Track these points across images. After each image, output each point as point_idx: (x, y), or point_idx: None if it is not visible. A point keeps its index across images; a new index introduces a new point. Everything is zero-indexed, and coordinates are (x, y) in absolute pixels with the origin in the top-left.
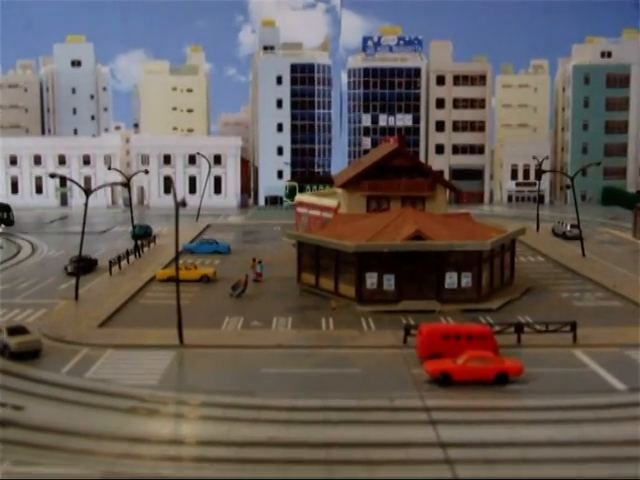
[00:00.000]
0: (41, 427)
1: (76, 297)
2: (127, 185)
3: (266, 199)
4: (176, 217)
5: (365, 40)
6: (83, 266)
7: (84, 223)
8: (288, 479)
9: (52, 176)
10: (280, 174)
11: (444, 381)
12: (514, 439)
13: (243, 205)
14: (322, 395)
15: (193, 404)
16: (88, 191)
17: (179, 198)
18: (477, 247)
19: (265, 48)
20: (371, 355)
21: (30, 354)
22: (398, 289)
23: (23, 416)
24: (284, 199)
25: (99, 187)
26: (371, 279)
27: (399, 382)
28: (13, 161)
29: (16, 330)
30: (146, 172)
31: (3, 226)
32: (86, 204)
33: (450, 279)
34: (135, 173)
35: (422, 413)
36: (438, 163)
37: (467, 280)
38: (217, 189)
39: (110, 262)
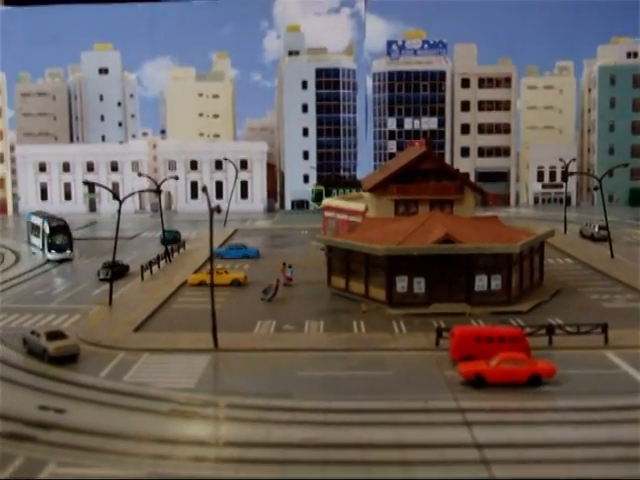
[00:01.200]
0: (83, 429)
1: (110, 302)
2: (159, 191)
3: (292, 203)
4: (210, 223)
5: (390, 44)
6: (115, 272)
7: (117, 229)
8: (328, 479)
9: (86, 183)
10: (306, 178)
11: (477, 383)
12: (548, 440)
13: (269, 209)
14: (356, 397)
15: (231, 407)
16: (117, 196)
17: (213, 204)
18: (507, 250)
19: (290, 53)
20: (403, 357)
21: (68, 358)
22: (428, 292)
23: (65, 419)
24: (311, 203)
25: (132, 193)
26: (401, 282)
27: (432, 384)
28: (42, 168)
29: (54, 335)
30: (176, 178)
31: (69, 252)
32: (119, 211)
33: (480, 282)
34: (165, 179)
35: (457, 414)
36: (464, 166)
37: (497, 283)
38: (244, 194)
39: (142, 267)
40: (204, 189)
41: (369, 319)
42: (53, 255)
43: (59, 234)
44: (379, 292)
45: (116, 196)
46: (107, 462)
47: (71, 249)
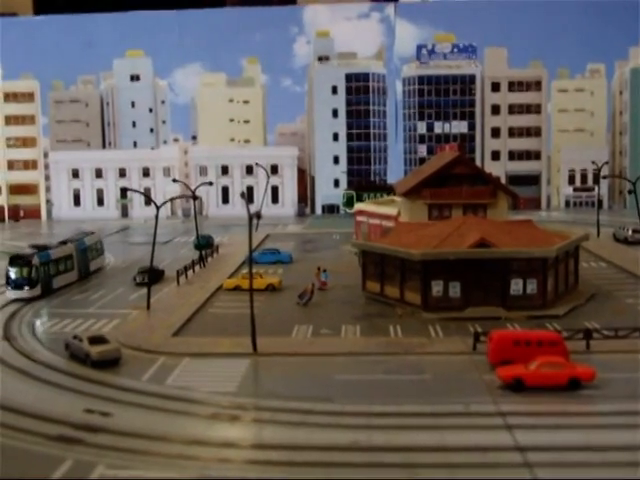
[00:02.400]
0: (129, 432)
1: (148, 307)
2: (195, 197)
3: (323, 208)
4: (249, 229)
5: (419, 48)
6: (151, 277)
7: (155, 234)
8: None
9: (123, 189)
10: (336, 183)
11: (517, 387)
12: (590, 443)
13: (300, 214)
14: (397, 401)
15: (273, 410)
16: (154, 202)
17: (253, 210)
18: (542, 254)
19: (320, 58)
20: (441, 361)
21: (110, 362)
22: (464, 296)
23: (111, 422)
24: (341, 208)
25: (171, 199)
26: (437, 287)
27: (472, 388)
28: (75, 174)
29: (96, 339)
30: (210, 184)
31: (27, 289)
32: (156, 216)
33: (516, 286)
34: (200, 184)
35: (497, 418)
36: (494, 169)
37: (532, 287)
38: (274, 199)
39: (177, 272)
40: (243, 195)
41: (405, 323)
42: (9, 293)
43: (16, 266)
44: (414, 296)
45: (153, 202)
46: (155, 465)
47: (32, 285)
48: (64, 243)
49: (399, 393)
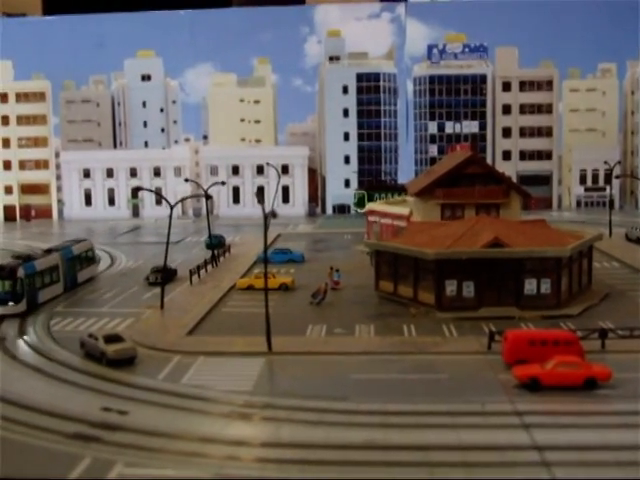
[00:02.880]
0: (147, 431)
1: (161, 306)
2: (209, 196)
3: (333, 208)
4: (265, 228)
5: (430, 48)
6: (163, 276)
7: (169, 234)
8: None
9: (136, 189)
10: (347, 183)
11: (533, 386)
12: (607, 442)
13: (311, 214)
14: (412, 400)
15: (289, 409)
16: (167, 201)
17: (268, 209)
18: (556, 253)
19: (331, 58)
20: (456, 361)
21: (125, 361)
22: (477, 296)
23: (128, 420)
24: (353, 208)
25: (184, 198)
26: (451, 286)
27: (487, 387)
28: (87, 174)
29: (112, 338)
30: (223, 184)
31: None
32: (170, 216)
33: (530, 285)
34: (212, 184)
35: (514, 417)
36: (505, 169)
37: (546, 286)
38: (285, 198)
39: (190, 272)
40: (258, 194)
41: (419, 323)
42: None
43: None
44: (428, 296)
45: (167, 201)
46: (173, 463)
47: (16, 300)
48: (49, 252)
49: (415, 392)
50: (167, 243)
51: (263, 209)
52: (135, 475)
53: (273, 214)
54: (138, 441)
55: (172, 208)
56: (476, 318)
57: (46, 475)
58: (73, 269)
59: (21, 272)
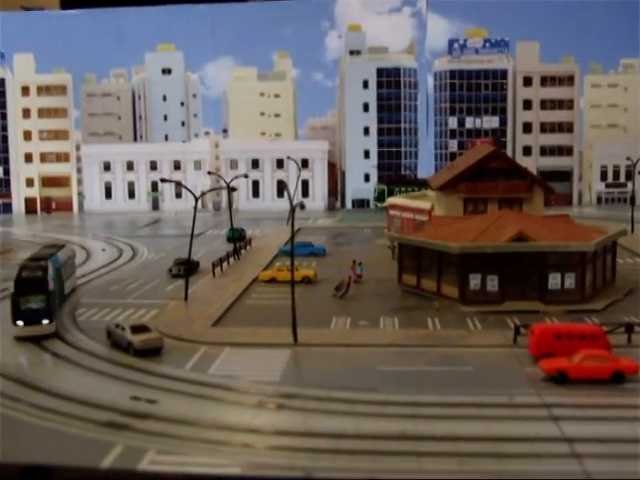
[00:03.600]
0: (176, 419)
1: (186, 297)
2: (233, 189)
3: (353, 202)
4: (292, 220)
5: (451, 43)
6: (186, 268)
7: (193, 226)
8: (423, 469)
9: (163, 181)
10: (367, 177)
11: (560, 379)
12: (637, 435)
13: (330, 208)
14: (441, 391)
15: (318, 399)
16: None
17: (295, 202)
18: (581, 248)
19: (351, 53)
20: (482, 354)
21: (152, 351)
22: (501, 290)
23: (158, 409)
24: (372, 202)
25: (210, 190)
26: (475, 280)
27: (514, 380)
28: (107, 167)
29: (139, 328)
30: (245, 176)
31: (46, 322)
32: (195, 208)
33: (554, 280)
34: (235, 177)
35: (542, 409)
36: (525, 165)
37: (571, 281)
38: (305, 192)
39: (213, 264)
40: (284, 186)
41: (443, 316)
42: (18, 329)
43: (30, 292)
44: (452, 289)
45: (192, 194)
46: (204, 451)
47: (50, 317)
48: (36, 260)
49: (442, 384)
50: (192, 235)
51: (290, 201)
52: (168, 462)
53: (301, 206)
54: (168, 429)
55: (197, 200)
56: (500, 312)
57: (82, 462)
58: (61, 280)
59: (51, 283)
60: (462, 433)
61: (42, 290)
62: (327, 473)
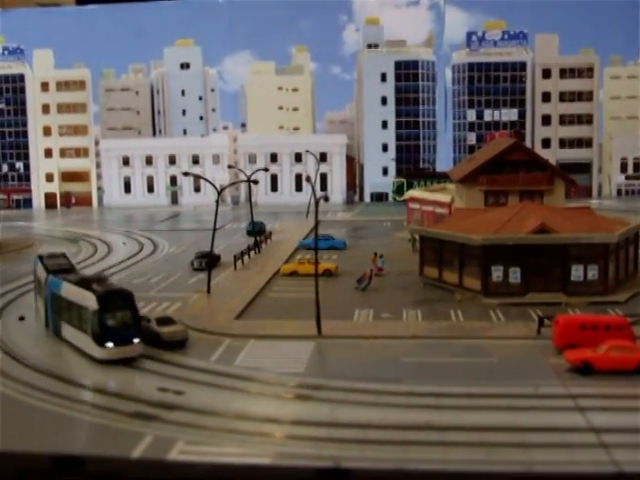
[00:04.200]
0: (204, 410)
1: (208, 290)
2: (254, 182)
3: (371, 195)
4: (316, 213)
5: (469, 35)
6: (208, 261)
7: (215, 220)
8: (449, 459)
9: (185, 174)
10: (385, 171)
11: (585, 370)
12: None
13: (349, 202)
14: (466, 382)
15: (343, 390)
16: (215, 187)
17: (319, 195)
18: (604, 239)
19: (369, 46)
20: (506, 345)
21: (177, 343)
22: (524, 282)
23: (185, 400)
24: (391, 195)
25: (232, 183)
26: (497, 272)
27: (539, 371)
28: (126, 162)
29: (165, 320)
30: (266, 170)
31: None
32: (217, 201)
33: (576, 272)
34: (255, 171)
35: (568, 400)
36: (545, 157)
37: (593, 273)
38: (323, 186)
39: (235, 257)
40: (308, 179)
41: (466, 308)
42: (108, 351)
43: (117, 307)
44: (474, 282)
45: (215, 187)
46: (233, 441)
47: (139, 334)
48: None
49: (467, 375)
50: (214, 229)
51: (314, 193)
52: (198, 452)
53: (325, 198)
54: (197, 420)
55: (219, 193)
56: (523, 304)
57: (114, 452)
58: None
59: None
60: (489, 423)
61: (129, 305)
62: (355, 463)
